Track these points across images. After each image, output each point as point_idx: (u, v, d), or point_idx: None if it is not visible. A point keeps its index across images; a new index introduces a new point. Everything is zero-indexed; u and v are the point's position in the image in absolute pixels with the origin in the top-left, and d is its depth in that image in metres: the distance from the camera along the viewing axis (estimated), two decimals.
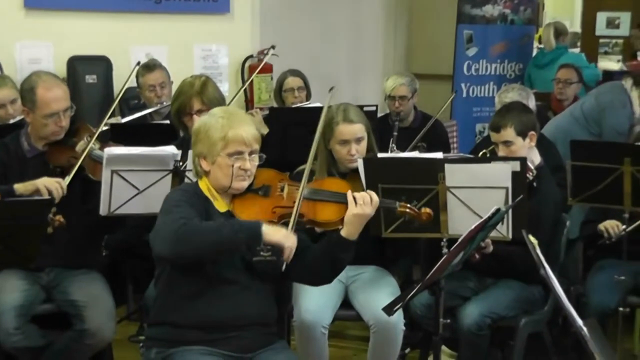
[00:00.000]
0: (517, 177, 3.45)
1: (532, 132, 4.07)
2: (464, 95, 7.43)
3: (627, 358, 4.67)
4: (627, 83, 5.62)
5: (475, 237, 3.07)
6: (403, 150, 5.03)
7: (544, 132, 5.10)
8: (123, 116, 5.24)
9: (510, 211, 3.40)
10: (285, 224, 3.04)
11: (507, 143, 4.02)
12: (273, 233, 2.89)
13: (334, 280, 3.58)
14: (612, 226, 4.18)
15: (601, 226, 4.23)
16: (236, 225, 2.92)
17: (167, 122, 4.81)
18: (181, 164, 3.63)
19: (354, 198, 3.07)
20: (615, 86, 5.81)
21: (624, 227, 4.09)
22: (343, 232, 3.07)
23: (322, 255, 3.12)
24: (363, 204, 3.05)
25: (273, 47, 6.03)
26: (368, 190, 3.13)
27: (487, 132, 6.26)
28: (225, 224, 2.92)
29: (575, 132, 5.55)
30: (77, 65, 5.77)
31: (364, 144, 3.87)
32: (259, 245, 2.87)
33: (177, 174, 3.63)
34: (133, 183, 3.59)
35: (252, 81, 6.14)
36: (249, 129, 3.06)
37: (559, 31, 7.60)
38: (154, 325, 3.10)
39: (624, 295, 4.05)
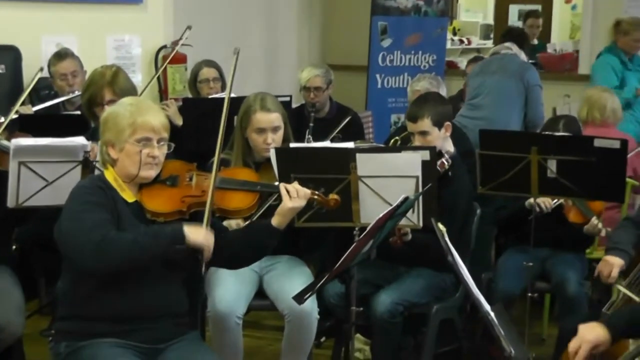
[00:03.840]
0: (427, 166, 3.50)
1: (448, 123, 4.14)
2: (379, 86, 7.49)
3: (536, 342, 4.79)
4: (514, 47, 6.24)
5: (385, 225, 3.10)
6: (319, 141, 5.05)
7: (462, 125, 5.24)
8: (34, 107, 5.13)
9: (420, 199, 3.46)
10: (195, 214, 3.06)
11: (423, 133, 4.07)
12: (195, 236, 2.91)
13: (248, 270, 3.62)
14: (543, 200, 4.15)
15: (531, 201, 4.12)
16: (157, 233, 2.91)
17: (79, 112, 4.74)
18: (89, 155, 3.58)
19: (287, 191, 3.12)
20: (506, 57, 6.24)
21: (555, 200, 4.15)
22: (274, 221, 3.13)
23: (247, 240, 3.18)
24: (297, 197, 3.12)
25: (189, 27, 5.90)
26: (297, 186, 3.17)
27: (401, 123, 6.38)
28: (146, 232, 2.92)
29: (512, 121, 5.93)
30: None
31: (281, 133, 3.90)
32: (182, 247, 2.89)
33: (87, 165, 3.58)
34: (41, 174, 3.53)
35: (166, 72, 6.08)
36: (157, 116, 3.06)
37: None
38: (63, 318, 3.06)
39: (531, 281, 4.15)
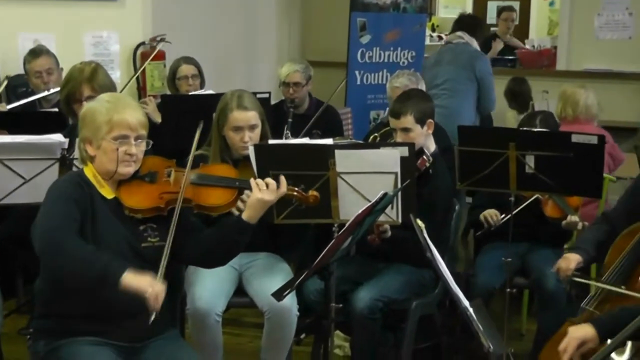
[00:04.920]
0: (406, 162, 3.50)
1: (430, 120, 4.14)
2: (358, 82, 7.47)
3: (515, 337, 4.81)
4: (465, 36, 6.42)
5: (363, 221, 3.10)
6: (298, 137, 5.05)
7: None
8: (11, 104, 5.10)
9: (399, 196, 3.46)
10: (174, 210, 3.04)
11: (406, 130, 4.07)
12: (132, 281, 2.79)
13: (228, 267, 3.60)
14: (491, 215, 4.36)
15: (481, 216, 4.38)
16: (102, 260, 2.81)
17: (56, 109, 4.72)
18: (67, 152, 3.57)
19: (258, 184, 3.12)
20: (458, 46, 6.45)
21: (503, 216, 4.24)
22: (244, 215, 3.12)
23: (219, 236, 3.16)
24: (266, 189, 3.11)
25: (164, 38, 5.94)
26: (268, 179, 3.17)
27: (381, 119, 6.39)
28: (93, 254, 2.83)
29: (466, 108, 6.06)
30: None
31: (258, 131, 3.88)
32: (116, 287, 2.79)
33: (65, 162, 3.56)
34: (19, 172, 3.52)
35: (144, 69, 6.05)
36: (135, 113, 3.04)
37: None
38: (41, 317, 3.04)
39: (510, 276, 4.17)
